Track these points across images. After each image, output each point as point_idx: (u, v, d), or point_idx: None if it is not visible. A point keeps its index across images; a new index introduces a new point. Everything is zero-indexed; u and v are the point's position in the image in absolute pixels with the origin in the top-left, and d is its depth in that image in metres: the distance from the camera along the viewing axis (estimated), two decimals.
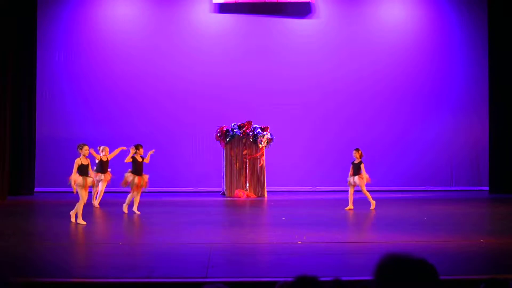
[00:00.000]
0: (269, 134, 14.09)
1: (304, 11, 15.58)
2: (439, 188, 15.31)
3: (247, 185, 14.05)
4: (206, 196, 14.16)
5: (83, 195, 9.38)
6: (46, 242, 7.98)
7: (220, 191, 14.52)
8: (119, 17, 15.54)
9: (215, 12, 15.51)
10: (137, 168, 10.66)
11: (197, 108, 15.36)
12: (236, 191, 13.90)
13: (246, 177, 14.06)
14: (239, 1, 15.27)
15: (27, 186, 14.59)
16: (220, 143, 14.19)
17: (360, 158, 11.45)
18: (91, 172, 10.07)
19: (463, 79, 15.57)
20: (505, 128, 14.82)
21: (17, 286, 2.69)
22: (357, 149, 11.53)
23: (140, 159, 10.76)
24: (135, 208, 10.64)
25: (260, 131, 14.02)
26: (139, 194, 10.76)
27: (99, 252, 7.26)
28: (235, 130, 14.02)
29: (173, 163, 15.28)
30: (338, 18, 15.69)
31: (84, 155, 9.62)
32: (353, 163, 11.51)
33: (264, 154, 14.08)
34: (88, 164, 9.68)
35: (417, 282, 2.34)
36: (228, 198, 13.75)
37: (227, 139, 14.03)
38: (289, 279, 2.86)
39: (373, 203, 11.46)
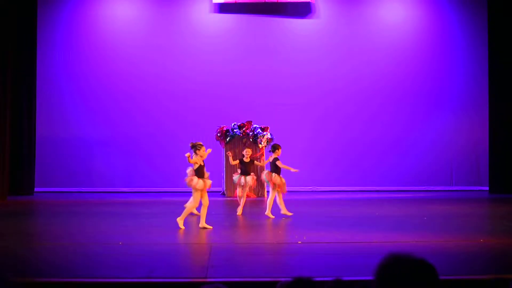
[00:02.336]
0: (269, 134, 14.10)
1: (304, 11, 15.58)
2: (439, 188, 15.31)
3: None
4: None
5: (197, 199, 8.90)
6: (46, 242, 7.98)
7: (220, 191, 14.52)
8: (119, 17, 15.54)
9: (215, 12, 15.51)
10: (277, 169, 10.24)
11: (197, 108, 15.36)
12: (236, 191, 13.88)
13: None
14: (239, 1, 15.27)
15: (27, 186, 14.59)
16: (220, 143, 14.20)
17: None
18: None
19: (463, 79, 15.58)
20: (505, 128, 14.81)
21: (17, 286, 2.69)
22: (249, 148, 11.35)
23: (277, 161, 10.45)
24: (284, 211, 10.17)
25: (260, 131, 14.03)
26: (281, 196, 10.27)
27: (99, 252, 7.26)
28: (235, 130, 14.02)
29: (173, 163, 15.27)
30: (338, 18, 15.69)
31: (201, 156, 9.09)
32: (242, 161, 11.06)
33: (264, 154, 14.08)
34: (204, 165, 9.13)
35: (417, 282, 2.34)
36: (228, 198, 13.75)
37: (227, 139, 14.03)
38: (290, 279, 2.87)
39: (240, 208, 10.74)
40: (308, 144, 15.38)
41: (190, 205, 8.99)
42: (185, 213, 8.96)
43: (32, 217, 11.70)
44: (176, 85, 15.44)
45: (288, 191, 14.69)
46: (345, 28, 15.65)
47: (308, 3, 15.48)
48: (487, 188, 15.04)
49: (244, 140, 14.09)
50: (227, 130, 14.04)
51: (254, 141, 14.06)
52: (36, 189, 14.75)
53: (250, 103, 15.24)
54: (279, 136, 14.35)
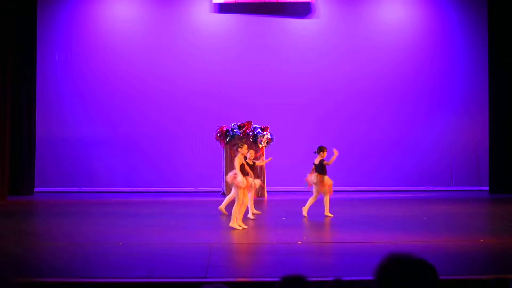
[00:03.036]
0: (269, 134, 14.09)
1: (304, 11, 15.58)
2: (439, 188, 15.31)
3: None
4: (206, 196, 14.16)
5: (241, 197, 8.91)
6: (46, 242, 7.98)
7: (220, 191, 14.52)
8: (119, 17, 15.54)
9: (215, 12, 15.51)
10: (323, 170, 10.28)
11: (197, 108, 15.37)
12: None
13: None
14: (239, 1, 15.27)
15: (27, 186, 14.59)
16: (220, 143, 14.19)
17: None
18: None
19: (463, 79, 15.57)
20: (505, 128, 14.82)
21: (17, 286, 2.69)
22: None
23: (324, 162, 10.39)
24: (327, 212, 10.26)
25: (260, 131, 14.02)
26: (328, 196, 10.31)
27: (99, 252, 7.26)
28: (235, 130, 14.02)
29: (173, 163, 15.29)
30: (338, 18, 15.69)
31: (243, 154, 9.17)
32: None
33: (264, 154, 14.08)
34: (245, 164, 9.22)
35: (417, 282, 2.34)
36: None
37: (227, 139, 14.02)
38: (279, 279, 2.86)
39: (251, 211, 10.41)
40: (308, 144, 15.31)
41: (237, 206, 8.93)
42: (236, 216, 8.88)
43: (32, 217, 11.71)
44: (176, 85, 15.44)
45: (289, 191, 14.79)
46: (345, 28, 15.65)
47: (308, 3, 15.48)
48: (487, 188, 15.04)
49: (244, 140, 14.08)
50: (227, 130, 14.03)
51: (254, 141, 14.05)
52: (36, 189, 14.75)
53: (250, 103, 15.24)
54: (279, 136, 14.37)
